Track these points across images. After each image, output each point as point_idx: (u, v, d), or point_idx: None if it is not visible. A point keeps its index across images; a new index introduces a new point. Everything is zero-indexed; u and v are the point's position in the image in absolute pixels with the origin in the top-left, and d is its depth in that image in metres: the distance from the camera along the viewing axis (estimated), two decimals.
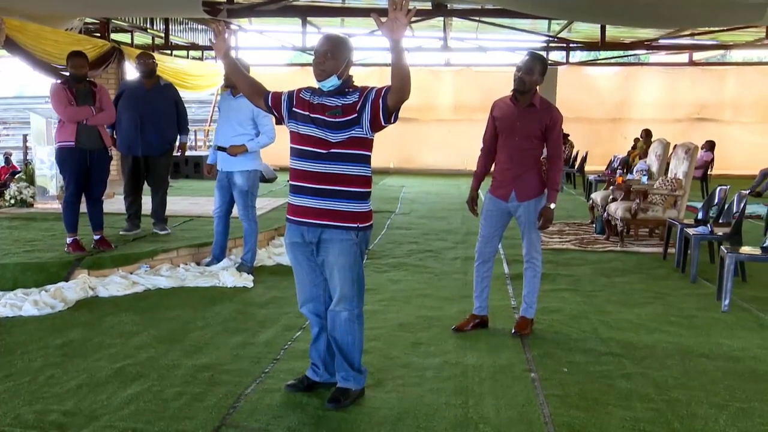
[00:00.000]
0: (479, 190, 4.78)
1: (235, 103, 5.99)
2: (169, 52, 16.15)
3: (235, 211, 6.22)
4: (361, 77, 3.42)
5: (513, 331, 4.62)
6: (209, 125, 19.19)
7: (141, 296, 5.57)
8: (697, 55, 18.67)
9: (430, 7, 12.34)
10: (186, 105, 7.37)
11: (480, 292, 4.73)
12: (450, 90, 19.28)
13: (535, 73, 4.33)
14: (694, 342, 4.54)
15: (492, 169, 4.71)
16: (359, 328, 3.48)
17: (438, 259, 7.19)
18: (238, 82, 3.62)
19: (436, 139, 18.99)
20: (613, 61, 19.70)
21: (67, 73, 6.21)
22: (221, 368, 3.96)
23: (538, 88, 4.44)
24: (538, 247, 4.61)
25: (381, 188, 14.09)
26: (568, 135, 15.92)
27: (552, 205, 4.44)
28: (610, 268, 6.75)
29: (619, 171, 10.64)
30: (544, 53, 17.83)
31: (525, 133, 4.41)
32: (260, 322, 4.88)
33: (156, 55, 12.09)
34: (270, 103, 3.49)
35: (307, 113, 3.34)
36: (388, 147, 16.21)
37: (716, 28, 14.02)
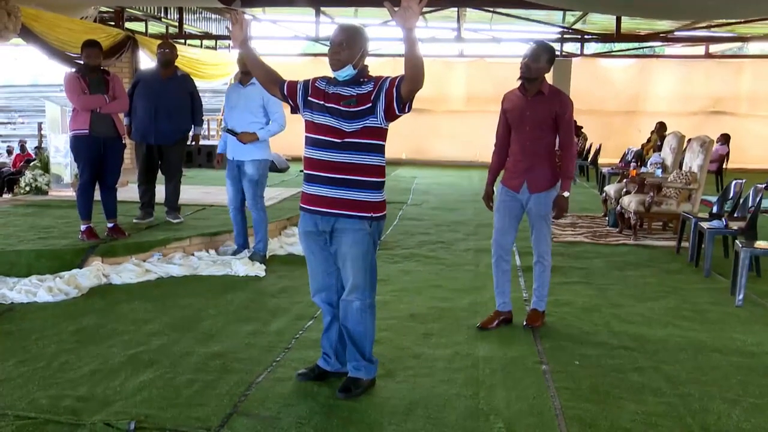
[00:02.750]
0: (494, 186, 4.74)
1: (245, 92, 6.00)
2: (182, 41, 16.17)
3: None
4: (374, 67, 3.41)
5: (524, 323, 4.61)
6: (222, 114, 19.18)
7: (154, 284, 5.60)
8: (714, 47, 18.49)
9: None
10: (200, 94, 7.37)
11: (502, 288, 4.66)
12: (463, 81, 19.19)
13: (541, 61, 4.28)
14: (708, 337, 4.52)
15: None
16: (371, 318, 3.49)
17: (449, 250, 7.18)
18: (255, 71, 3.62)
19: (449, 130, 18.91)
20: (628, 53, 19.55)
21: (82, 62, 6.23)
22: (233, 356, 3.98)
23: (546, 77, 4.40)
24: (548, 240, 4.54)
25: (393, 179, 14.07)
26: (582, 127, 15.82)
27: (566, 194, 4.38)
28: (622, 262, 6.72)
29: (633, 164, 10.57)
30: (558, 45, 17.79)
31: (535, 122, 4.36)
32: (272, 311, 4.90)
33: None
34: (285, 92, 3.49)
35: (322, 102, 3.34)
36: (400, 138, 16.12)
37: (733, 20, 13.88)
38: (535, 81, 4.33)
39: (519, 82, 4.42)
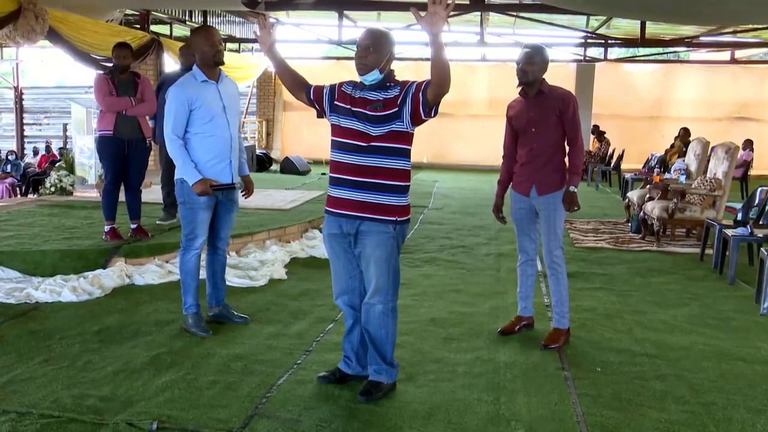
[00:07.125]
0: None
1: (231, 90, 4.58)
2: None
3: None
4: (396, 71, 3.43)
5: (542, 344, 4.31)
6: (245, 117, 19.31)
7: (176, 285, 5.58)
8: (739, 53, 18.28)
9: (468, 2, 12.26)
10: None
11: (525, 293, 4.62)
12: (485, 85, 19.15)
13: (535, 62, 4.26)
14: (731, 345, 4.46)
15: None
16: (393, 321, 3.49)
17: (470, 254, 7.17)
18: (282, 76, 3.65)
19: (470, 134, 18.88)
20: (651, 58, 19.38)
21: (108, 64, 6.31)
22: (254, 358, 4.00)
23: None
24: (559, 243, 4.36)
25: (414, 183, 13.94)
26: (605, 132, 15.72)
27: (572, 189, 4.25)
28: (645, 268, 6.66)
29: (656, 169, 10.48)
30: (581, 49, 17.68)
31: (539, 122, 4.29)
32: (293, 314, 4.91)
33: None
34: (312, 97, 3.52)
35: (348, 107, 3.36)
36: (422, 142, 15.97)
37: (759, 26, 13.72)
38: (534, 83, 4.32)
39: (519, 89, 4.42)
